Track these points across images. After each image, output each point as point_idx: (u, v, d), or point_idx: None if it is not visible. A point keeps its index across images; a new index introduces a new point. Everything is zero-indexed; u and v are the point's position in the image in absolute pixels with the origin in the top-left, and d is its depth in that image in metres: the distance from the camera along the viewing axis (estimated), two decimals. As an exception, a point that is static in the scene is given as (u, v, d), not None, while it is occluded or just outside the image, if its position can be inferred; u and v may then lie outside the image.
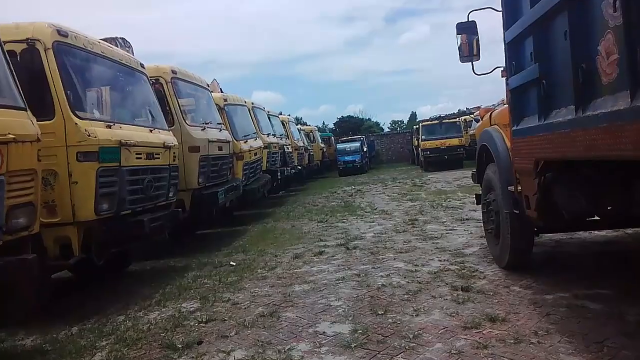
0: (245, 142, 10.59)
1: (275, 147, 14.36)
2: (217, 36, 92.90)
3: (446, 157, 23.68)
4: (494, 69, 5.30)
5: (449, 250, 6.25)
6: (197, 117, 8.70)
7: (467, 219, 8.40)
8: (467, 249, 6.28)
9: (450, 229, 7.66)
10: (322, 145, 29.85)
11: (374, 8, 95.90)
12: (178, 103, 7.55)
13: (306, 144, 23.38)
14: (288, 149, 17.13)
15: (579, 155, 2.81)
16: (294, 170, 17.18)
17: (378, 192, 15.13)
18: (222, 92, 11.82)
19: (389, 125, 64.33)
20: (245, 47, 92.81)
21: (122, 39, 8.72)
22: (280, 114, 20.82)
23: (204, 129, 8.00)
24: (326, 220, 9.95)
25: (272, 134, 14.57)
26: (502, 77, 5.42)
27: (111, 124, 5.10)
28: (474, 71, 5.30)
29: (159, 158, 6.05)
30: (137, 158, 5.46)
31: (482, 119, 5.87)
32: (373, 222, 9.27)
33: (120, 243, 5.39)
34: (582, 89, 2.71)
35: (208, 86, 9.43)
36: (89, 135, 4.75)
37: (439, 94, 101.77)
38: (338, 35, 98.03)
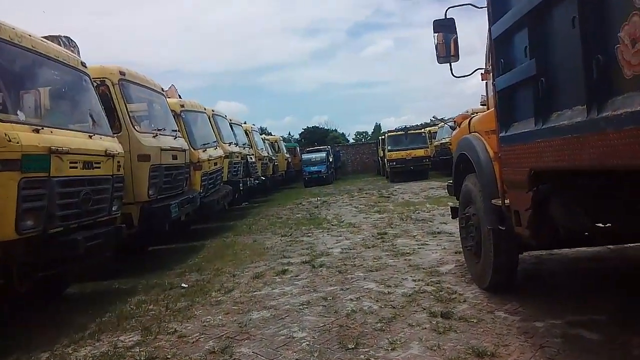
0: (204, 151, 9.89)
1: (237, 157, 13.67)
2: (180, 45, 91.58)
3: (412, 167, 23.54)
4: (475, 71, 4.89)
5: (423, 268, 5.75)
6: (149, 124, 7.99)
7: (438, 233, 7.97)
8: (443, 267, 5.80)
9: (422, 244, 7.19)
10: (287, 155, 29.23)
11: (337, 21, 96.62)
12: (126, 107, 6.83)
13: (271, 154, 22.74)
14: (251, 158, 16.47)
15: (590, 164, 2.33)
16: (257, 181, 16.49)
17: (345, 204, 14.64)
18: (180, 98, 11.13)
19: (354, 136, 64.44)
20: (208, 56, 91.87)
21: (66, 37, 7.90)
22: (244, 123, 20.15)
23: (156, 135, 7.29)
24: (290, 234, 9.34)
25: (235, 143, 13.89)
26: (483, 80, 5.03)
27: (39, 128, 4.37)
28: (452, 73, 4.86)
29: (99, 167, 5.33)
30: (71, 167, 4.74)
31: (459, 126, 5.43)
32: (340, 236, 8.72)
33: (49, 266, 4.64)
34: (596, 86, 2.24)
35: (163, 91, 8.72)
36: (10, 141, 4.02)
37: (402, 106, 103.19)
38: (302, 47, 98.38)
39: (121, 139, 6.68)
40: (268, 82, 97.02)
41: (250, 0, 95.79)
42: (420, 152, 23.67)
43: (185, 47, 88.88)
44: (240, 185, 13.29)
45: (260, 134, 24.71)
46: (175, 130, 8.43)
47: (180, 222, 8.87)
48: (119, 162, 5.90)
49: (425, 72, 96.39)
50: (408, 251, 6.73)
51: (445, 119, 19.94)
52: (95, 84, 6.63)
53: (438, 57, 4.87)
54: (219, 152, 11.13)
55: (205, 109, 11.45)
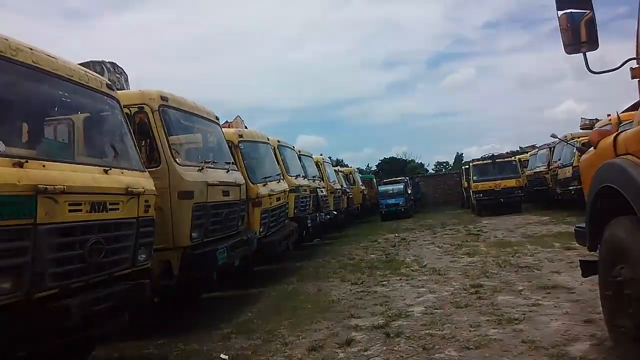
0: (264, 185, 8.80)
1: (305, 191, 12.53)
2: (261, 85, 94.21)
3: (502, 200, 21.24)
4: (625, 63, 3.30)
5: (544, 348, 4.08)
6: (196, 155, 7.04)
7: (552, 287, 6.16)
8: (573, 345, 4.10)
9: (534, 304, 5.45)
10: (363, 187, 27.85)
11: (416, 53, 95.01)
12: (166, 137, 5.86)
13: (344, 186, 21.50)
14: (322, 192, 15.29)
15: None
16: (329, 216, 15.24)
17: (426, 242, 12.92)
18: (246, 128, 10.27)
19: (434, 166, 61.69)
20: (288, 94, 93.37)
21: (112, 63, 7.27)
22: (320, 155, 19.07)
23: (202, 169, 6.26)
24: (362, 282, 7.88)
25: (302, 176, 12.79)
26: (634, 77, 3.42)
27: (24, 161, 3.37)
28: (588, 67, 3.32)
29: (116, 209, 4.28)
30: (72, 210, 3.70)
31: (595, 147, 3.79)
32: (422, 286, 7.13)
33: (38, 340, 3.57)
34: None
35: (217, 119, 7.78)
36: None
37: (484, 135, 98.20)
38: (380, 80, 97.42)
39: (160, 174, 5.72)
40: (347, 116, 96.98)
41: (329, 39, 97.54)
42: (511, 183, 21.32)
43: (267, 86, 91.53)
44: (309, 221, 12.07)
45: (334, 166, 23.68)
46: (230, 163, 7.39)
47: (237, 266, 7.77)
48: (147, 201, 4.84)
49: (509, 100, 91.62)
50: (516, 316, 5.03)
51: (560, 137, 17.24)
52: (132, 111, 5.82)
53: (565, 46, 3.36)
54: (283, 185, 10.01)
55: (268, 139, 10.45)
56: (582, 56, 3.31)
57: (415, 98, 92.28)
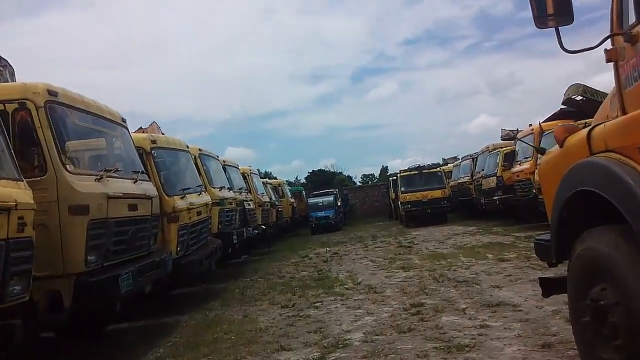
0: (181, 198, 7.81)
1: (230, 204, 11.61)
2: (186, 95, 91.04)
3: (429, 210, 21.34)
4: (603, 41, 2.80)
5: (505, 382, 3.53)
6: (96, 163, 6.01)
7: (496, 305, 5.72)
8: (535, 377, 3.57)
9: (481, 325, 4.95)
10: (292, 200, 27.16)
11: (340, 67, 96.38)
12: (54, 139, 4.80)
13: (273, 198, 20.69)
14: (249, 205, 14.40)
15: None
16: (257, 231, 14.36)
17: (359, 256, 12.39)
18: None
19: (361, 179, 62.31)
20: (215, 105, 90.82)
21: (-8, 53, 6.14)
22: (248, 167, 18.05)
23: (101, 178, 5.24)
24: (293, 305, 7.11)
25: (227, 188, 11.86)
26: (609, 60, 2.94)
27: None
28: (561, 45, 2.80)
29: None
30: None
31: (561, 146, 3.29)
32: (359, 307, 6.49)
33: None
34: None
35: (124, 121, 6.74)
36: None
37: (407, 148, 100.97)
38: (307, 93, 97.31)
39: (46, 184, 4.69)
40: (275, 128, 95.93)
41: (255, 51, 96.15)
42: (437, 193, 21.50)
43: (192, 97, 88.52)
44: (234, 237, 11.14)
45: (262, 177, 22.82)
46: (139, 172, 6.39)
47: (150, 292, 6.74)
48: (21, 217, 3.82)
49: (429, 114, 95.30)
50: (466, 341, 4.48)
51: (515, 132, 17.09)
52: (10, 108, 4.75)
53: (534, 18, 2.83)
54: (205, 198, 9.05)
55: (188, 147, 9.46)
56: (555, 32, 2.79)
57: (341, 111, 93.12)
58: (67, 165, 4.87)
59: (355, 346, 4.78)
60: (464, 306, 5.87)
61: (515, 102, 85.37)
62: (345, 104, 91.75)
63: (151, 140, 7.84)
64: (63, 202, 4.70)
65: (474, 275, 7.78)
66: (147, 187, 6.48)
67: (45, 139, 4.78)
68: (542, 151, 3.57)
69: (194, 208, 8.16)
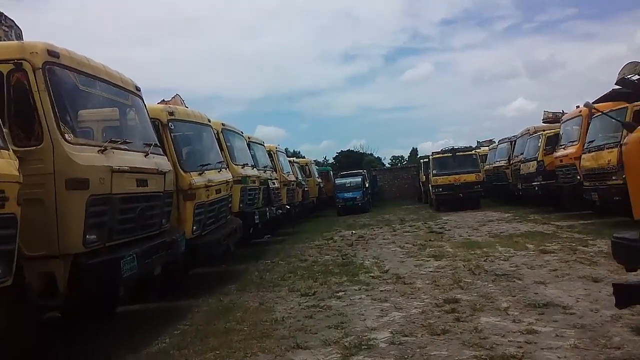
0: (199, 175, 7.31)
1: (253, 182, 11.11)
2: (220, 73, 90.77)
3: (461, 195, 20.44)
4: None
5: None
6: (103, 134, 5.53)
7: (544, 305, 5.03)
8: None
9: (528, 331, 4.29)
10: (319, 180, 26.60)
11: (374, 47, 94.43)
12: (52, 105, 4.31)
13: (300, 178, 20.16)
14: (274, 183, 13.90)
15: None
16: (281, 211, 13.87)
17: (386, 241, 11.76)
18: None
19: (390, 160, 61.24)
20: (247, 84, 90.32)
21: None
22: (279, 147, 17.48)
23: (105, 150, 4.74)
24: (314, 293, 6.58)
25: (251, 165, 11.35)
26: None
27: None
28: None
29: None
30: None
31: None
32: (385, 300, 5.90)
33: None
34: None
35: (138, 90, 6.23)
36: None
37: (439, 130, 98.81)
38: (339, 72, 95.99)
39: (41, 155, 4.23)
40: (306, 107, 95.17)
41: (287, 29, 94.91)
42: (470, 177, 20.54)
43: (225, 75, 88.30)
44: (256, 217, 10.65)
45: (289, 157, 22.32)
46: (151, 145, 5.89)
47: (165, 272, 6.32)
48: (2, 191, 3.35)
49: (464, 96, 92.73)
50: (512, 350, 3.83)
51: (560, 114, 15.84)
52: (5, 69, 4.28)
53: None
54: (225, 175, 8.54)
55: (210, 121, 8.93)
56: None
57: (373, 91, 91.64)
58: (66, 135, 4.37)
59: (381, 349, 4.20)
60: (505, 305, 5.21)
61: (555, 85, 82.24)
62: (378, 84, 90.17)
63: (168, 112, 7.33)
64: (60, 175, 4.21)
65: (514, 268, 7.07)
66: (160, 162, 5.98)
67: (42, 104, 4.28)
68: (630, 127, 2.84)
69: (212, 185, 7.66)
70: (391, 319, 5.07)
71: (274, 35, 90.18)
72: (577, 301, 5.07)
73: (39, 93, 4.29)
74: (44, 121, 4.26)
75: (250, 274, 8.56)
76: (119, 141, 5.09)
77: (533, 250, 8.45)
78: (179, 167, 6.95)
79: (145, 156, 5.64)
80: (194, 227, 7.06)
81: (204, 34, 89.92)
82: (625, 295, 2.89)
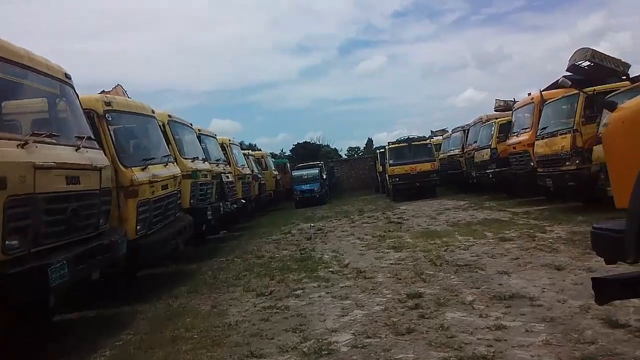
0: (142, 170, 6.75)
1: (205, 176, 10.56)
2: (171, 66, 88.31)
3: (417, 184, 20.50)
4: None
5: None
6: (27, 128, 4.93)
7: (509, 297, 4.83)
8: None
9: (497, 326, 4.06)
10: (276, 172, 26.13)
11: (328, 39, 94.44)
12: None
13: (256, 171, 19.63)
14: (228, 177, 13.36)
15: None
16: (235, 205, 13.34)
17: (345, 233, 11.49)
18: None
19: (346, 152, 61.34)
20: (201, 76, 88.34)
21: None
22: (233, 139, 16.74)
23: (26, 144, 4.15)
24: (270, 293, 6.18)
25: (202, 159, 10.79)
26: None
27: None
28: None
29: None
30: None
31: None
32: (346, 297, 5.58)
33: None
34: None
35: (68, 78, 5.59)
36: None
37: (393, 121, 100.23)
38: (294, 64, 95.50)
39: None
40: (261, 100, 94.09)
41: (240, 20, 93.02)
42: (426, 166, 20.61)
43: (177, 68, 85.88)
44: (209, 213, 10.12)
45: (245, 150, 21.73)
46: (84, 138, 5.30)
47: (105, 277, 5.77)
48: None
49: (416, 88, 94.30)
50: (482, 350, 3.58)
51: (511, 102, 16.17)
52: None
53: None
54: (173, 170, 7.99)
55: (153, 112, 8.31)
56: None
57: (328, 84, 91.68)
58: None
59: (343, 353, 3.86)
60: (470, 298, 4.99)
61: (503, 76, 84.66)
62: (332, 76, 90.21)
63: (105, 102, 6.69)
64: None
65: (476, 258, 6.92)
66: (95, 156, 5.40)
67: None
68: (611, 106, 2.59)
69: (158, 181, 7.11)
70: (352, 319, 4.75)
71: (228, 27, 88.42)
72: (543, 291, 4.90)
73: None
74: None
75: (203, 273, 8.07)
76: (43, 134, 4.51)
77: (492, 239, 8.36)
78: (118, 162, 6.38)
79: (77, 150, 5.07)
80: (138, 227, 6.51)
81: (156, 26, 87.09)
82: (605, 291, 2.66)
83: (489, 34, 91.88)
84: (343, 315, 4.90)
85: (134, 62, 78.49)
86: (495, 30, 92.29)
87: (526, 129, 13.32)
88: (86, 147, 5.28)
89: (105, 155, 5.99)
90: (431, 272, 6.31)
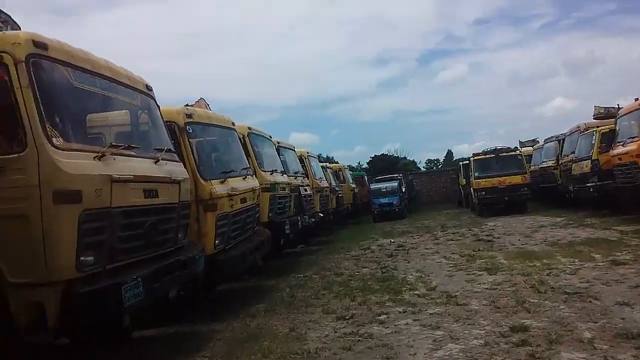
0: (221, 183, 6.60)
1: (284, 189, 10.36)
2: (253, 82, 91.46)
3: (506, 198, 19.14)
4: None
5: None
6: (108, 139, 4.88)
7: (638, 335, 4.02)
8: None
9: (630, 376, 3.33)
10: (354, 185, 25.71)
11: (406, 50, 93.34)
12: (38, 104, 3.63)
13: (333, 184, 19.35)
14: (306, 190, 13.12)
15: None
16: (313, 219, 13.07)
17: (429, 251, 10.78)
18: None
19: (425, 164, 59.76)
20: (280, 91, 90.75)
21: (-9, 5, 5.14)
22: (311, 152, 16.58)
23: (103, 156, 4.04)
24: (352, 316, 5.72)
25: (281, 172, 10.61)
26: None
27: None
28: None
29: None
30: None
31: None
32: (437, 326, 4.98)
33: None
34: None
35: (149, 89, 5.55)
36: None
37: (475, 132, 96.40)
38: (372, 77, 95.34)
39: (25, 163, 3.56)
40: (339, 113, 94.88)
41: (319, 35, 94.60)
42: (516, 179, 19.20)
43: (259, 83, 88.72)
44: (287, 227, 9.88)
45: (322, 162, 21.53)
46: (163, 150, 5.19)
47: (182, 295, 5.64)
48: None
49: (500, 97, 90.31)
50: (618, 408, 2.89)
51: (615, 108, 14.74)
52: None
53: None
54: (252, 183, 7.82)
55: (234, 124, 8.23)
56: None
57: (406, 95, 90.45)
58: (54, 139, 3.69)
59: (440, 398, 3.31)
60: (588, 335, 4.22)
61: (595, 82, 78.79)
62: (411, 87, 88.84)
63: (186, 114, 6.64)
64: (46, 186, 3.53)
65: (586, 285, 6.02)
66: (174, 169, 5.27)
67: (25, 103, 3.62)
68: None
69: (237, 194, 6.94)
70: (447, 354, 4.17)
71: (307, 43, 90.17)
72: (682, 330, 4.04)
73: (21, 90, 3.63)
74: (26, 122, 3.59)
75: (280, 290, 7.77)
76: (121, 146, 4.40)
77: (602, 262, 7.35)
78: (198, 175, 6.26)
79: (156, 163, 4.94)
80: (217, 241, 6.34)
81: (236, 43, 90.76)
82: None
83: (580, 38, 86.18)
84: (435, 349, 4.32)
85: (216, 79, 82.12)
86: (586, 34, 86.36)
87: (634, 137, 11.88)
88: (166, 160, 5.16)
89: (185, 168, 5.87)
90: (535, 300, 5.53)
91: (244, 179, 7.55)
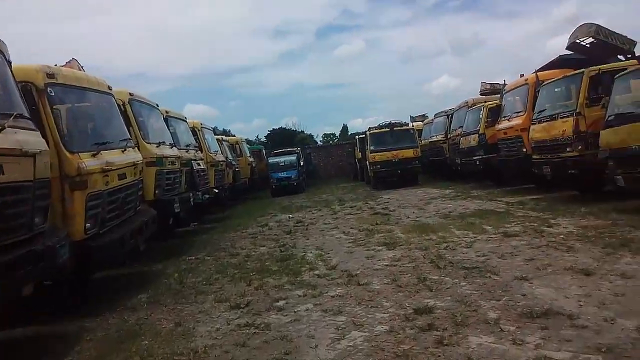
0: (93, 156, 5.64)
1: (173, 163, 9.44)
2: (147, 49, 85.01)
3: (399, 171, 19.66)
4: None
5: None
6: None
7: (542, 313, 3.96)
8: None
9: (538, 358, 3.19)
10: (252, 159, 24.96)
11: (305, 22, 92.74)
12: None
13: (230, 158, 18.49)
14: (199, 164, 12.22)
15: None
16: (207, 196, 12.25)
17: (328, 226, 10.54)
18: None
19: (322, 138, 60.33)
20: (176, 60, 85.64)
21: None
22: (202, 122, 15.32)
23: None
24: (247, 304, 5.19)
25: (170, 144, 9.64)
26: None
27: None
28: None
29: None
30: None
31: None
32: (340, 312, 4.63)
33: None
34: None
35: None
36: None
37: (369, 107, 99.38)
38: (271, 48, 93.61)
39: None
40: (237, 85, 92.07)
41: (218, 4, 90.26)
42: (409, 153, 19.77)
43: (152, 51, 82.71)
44: (177, 205, 9.03)
45: (216, 134, 20.47)
46: (12, 116, 4.16)
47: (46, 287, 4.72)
48: None
49: (393, 74, 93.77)
50: (534, 399, 2.69)
51: (501, 84, 15.25)
52: None
53: None
54: (133, 156, 6.88)
55: (110, 89, 7.12)
56: None
57: (305, 68, 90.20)
58: None
59: (347, 402, 2.93)
60: (493, 315, 4.10)
61: (477, 61, 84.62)
62: (310, 61, 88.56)
63: (47, 74, 5.45)
64: None
65: (483, 259, 6.05)
66: (26, 139, 4.27)
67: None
68: None
69: (113, 169, 6.01)
70: (351, 344, 3.81)
71: (204, 10, 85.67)
72: (580, 306, 4.06)
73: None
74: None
75: (168, 276, 7.00)
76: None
77: (494, 234, 7.54)
78: (62, 147, 5.26)
79: (1, 131, 3.94)
80: (88, 225, 5.43)
81: (128, 8, 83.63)
82: None
83: (466, 19, 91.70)
84: (339, 339, 3.95)
85: (107, 46, 75.41)
86: (471, 16, 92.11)
87: (519, 112, 12.55)
88: (14, 127, 4.15)
89: (45, 138, 4.87)
90: (435, 277, 5.41)
91: (123, 151, 6.60)
